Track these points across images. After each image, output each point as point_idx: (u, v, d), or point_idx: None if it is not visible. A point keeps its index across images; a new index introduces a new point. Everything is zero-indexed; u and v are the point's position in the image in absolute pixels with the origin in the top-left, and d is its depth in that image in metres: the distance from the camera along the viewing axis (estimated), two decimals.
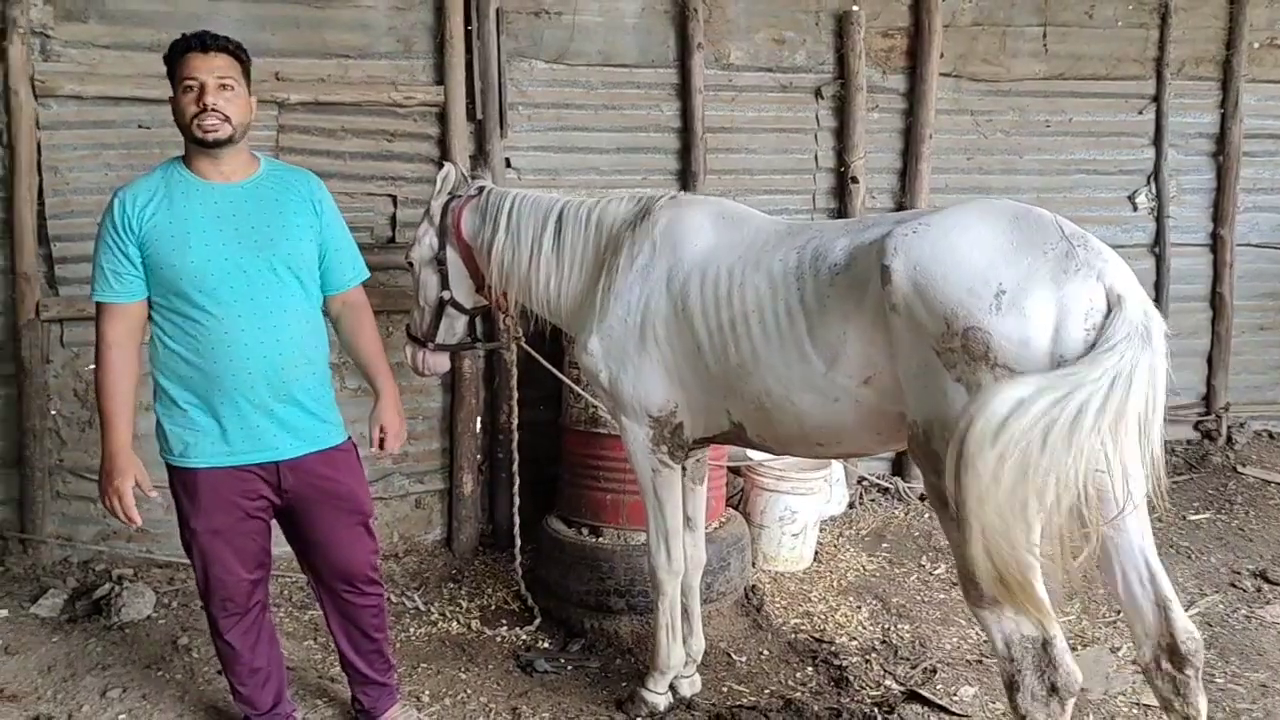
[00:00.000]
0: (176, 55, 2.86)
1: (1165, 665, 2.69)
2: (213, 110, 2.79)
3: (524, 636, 4.20)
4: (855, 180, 5.39)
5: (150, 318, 2.94)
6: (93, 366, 4.53)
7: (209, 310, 2.84)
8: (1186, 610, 3.01)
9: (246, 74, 2.95)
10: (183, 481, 2.95)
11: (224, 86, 2.83)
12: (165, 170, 2.94)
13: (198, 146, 2.86)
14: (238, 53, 2.91)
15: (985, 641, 4.04)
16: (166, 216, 2.84)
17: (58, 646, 3.95)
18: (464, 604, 4.51)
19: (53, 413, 4.62)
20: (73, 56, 4.50)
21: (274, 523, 3.13)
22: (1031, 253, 2.49)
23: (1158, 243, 5.96)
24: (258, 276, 2.88)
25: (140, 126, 4.53)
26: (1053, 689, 2.53)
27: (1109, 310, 2.41)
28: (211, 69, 2.82)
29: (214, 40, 2.85)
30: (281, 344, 2.91)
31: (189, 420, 2.91)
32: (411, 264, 3.95)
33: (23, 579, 4.48)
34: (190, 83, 2.82)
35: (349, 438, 3.17)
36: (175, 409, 2.92)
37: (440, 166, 4.43)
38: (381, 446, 3.24)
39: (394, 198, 4.91)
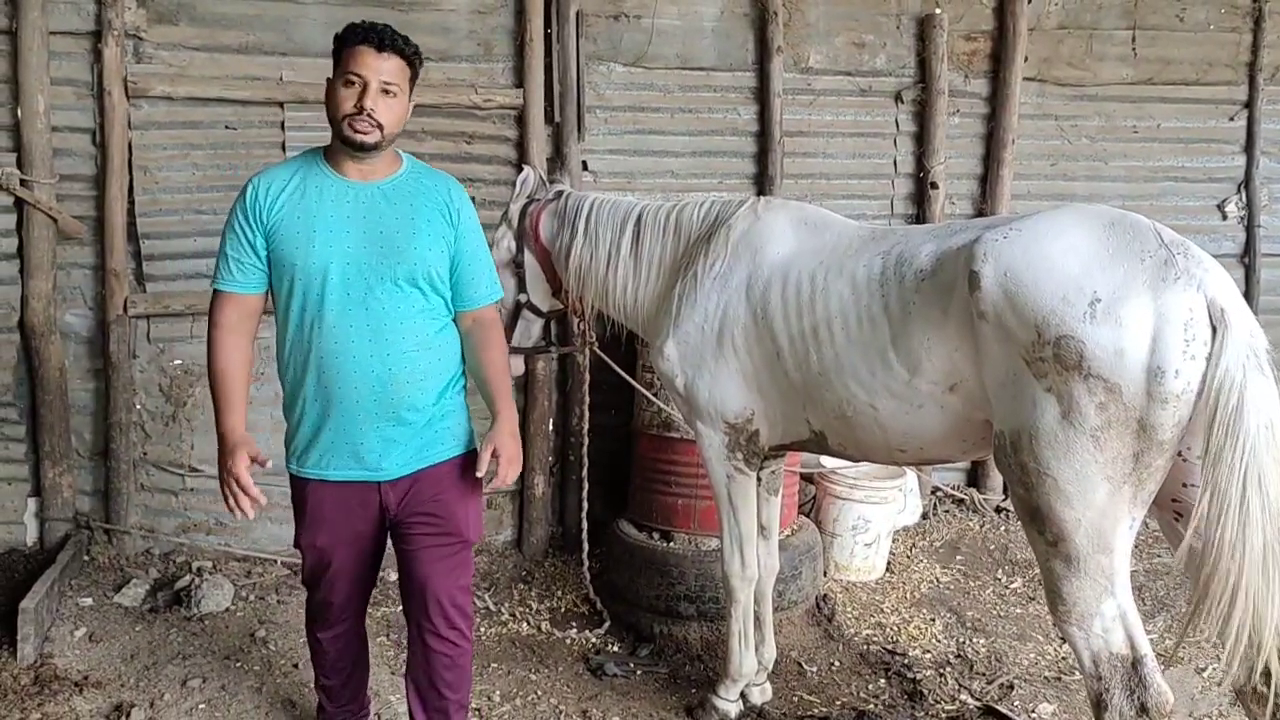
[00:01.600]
0: (349, 44, 2.64)
1: (1261, 689, 2.59)
2: (369, 114, 2.60)
3: (593, 639, 4.19)
4: (935, 186, 5.31)
5: (275, 315, 2.79)
6: (178, 362, 4.70)
7: (323, 315, 2.66)
8: None
9: (414, 79, 2.74)
10: (297, 489, 2.84)
11: (387, 91, 2.62)
12: (305, 160, 2.78)
13: (345, 146, 2.67)
14: (412, 58, 2.70)
15: (1064, 658, 3.98)
16: (296, 210, 2.67)
17: (140, 635, 4.03)
18: (534, 605, 4.52)
19: (138, 407, 4.73)
20: (164, 58, 4.62)
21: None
22: (1128, 260, 2.41)
23: (1247, 252, 5.78)
24: (378, 284, 2.66)
25: (227, 127, 4.63)
26: (1143, 709, 2.47)
27: (1211, 323, 2.33)
28: (380, 70, 2.61)
29: (392, 40, 2.63)
30: (392, 359, 2.68)
31: (300, 428, 2.77)
32: None
33: (107, 568, 4.59)
34: (354, 78, 2.61)
35: (469, 450, 2.89)
36: (291, 413, 2.79)
37: (518, 169, 4.47)
38: (492, 475, 2.81)
39: (472, 199, 4.92)
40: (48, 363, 4.57)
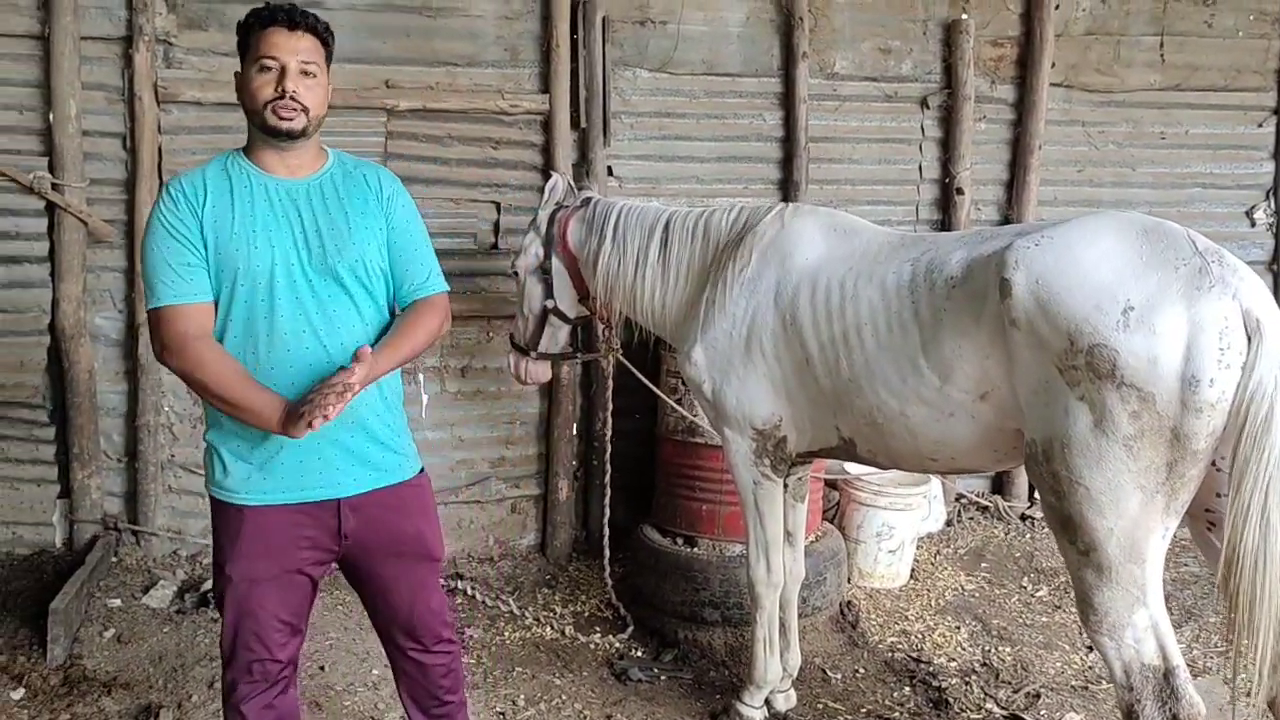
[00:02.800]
0: (256, 27, 2.43)
1: None
2: (291, 97, 2.40)
3: (617, 644, 4.20)
4: (960, 191, 5.30)
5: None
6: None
7: (268, 322, 2.43)
8: None
9: (329, 59, 2.54)
10: (225, 519, 2.49)
11: (306, 72, 2.43)
12: (222, 162, 2.52)
13: (266, 136, 2.46)
14: (325, 35, 2.50)
15: (1090, 667, 3.96)
16: (229, 213, 2.43)
17: (168, 637, 4.06)
18: (558, 609, 4.53)
19: (166, 409, 4.76)
20: (193, 63, 4.65)
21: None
22: (1162, 268, 2.40)
23: (1276, 259, 5.73)
24: (322, 286, 2.46)
25: None
26: None
27: (1246, 332, 2.32)
28: (296, 50, 2.41)
29: (303, 18, 2.44)
30: (348, 363, 2.42)
31: (240, 447, 2.44)
32: (517, 273, 3.99)
33: (134, 570, 4.62)
34: (269, 62, 2.40)
35: (421, 470, 2.70)
36: (226, 433, 2.45)
37: (544, 174, 4.49)
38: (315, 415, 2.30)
39: (498, 204, 4.97)
40: (77, 365, 4.61)
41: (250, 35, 2.45)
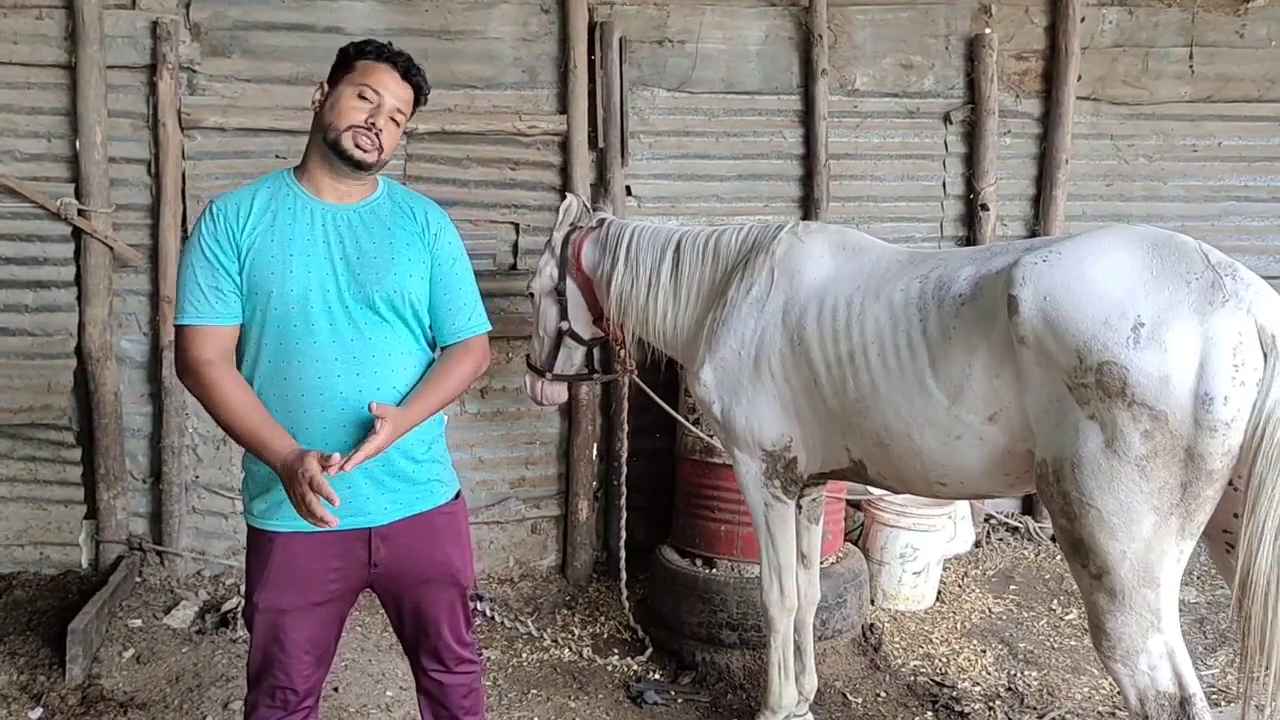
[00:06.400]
0: (368, 58, 2.47)
1: None
2: (376, 134, 2.44)
3: (635, 666, 4.16)
4: (985, 207, 5.22)
5: (238, 351, 2.49)
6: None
7: (303, 349, 2.41)
8: None
9: (412, 115, 2.61)
10: (256, 546, 2.50)
11: (395, 120, 2.48)
12: (270, 182, 2.53)
13: (333, 157, 2.46)
14: (423, 94, 2.57)
15: (1118, 694, 3.83)
16: (269, 234, 2.43)
17: (186, 657, 4.07)
18: (576, 631, 4.50)
19: (190, 430, 4.81)
20: (217, 90, 4.71)
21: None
22: (1173, 282, 2.34)
23: None
24: (359, 314, 2.44)
25: (277, 157, 4.70)
26: None
27: (1262, 349, 2.25)
28: (399, 96, 2.47)
29: (415, 71, 2.51)
30: (382, 395, 2.42)
31: (271, 475, 2.39)
32: (533, 294, 3.99)
33: (158, 590, 4.66)
34: (372, 94, 2.44)
35: (458, 494, 2.68)
36: (260, 461, 2.41)
37: (562, 195, 4.49)
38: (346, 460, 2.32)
39: (516, 225, 4.98)
40: (103, 387, 4.67)
41: (359, 61, 2.48)
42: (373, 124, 2.42)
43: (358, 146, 2.43)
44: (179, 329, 2.43)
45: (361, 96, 2.43)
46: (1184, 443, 2.30)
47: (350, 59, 2.49)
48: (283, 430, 2.35)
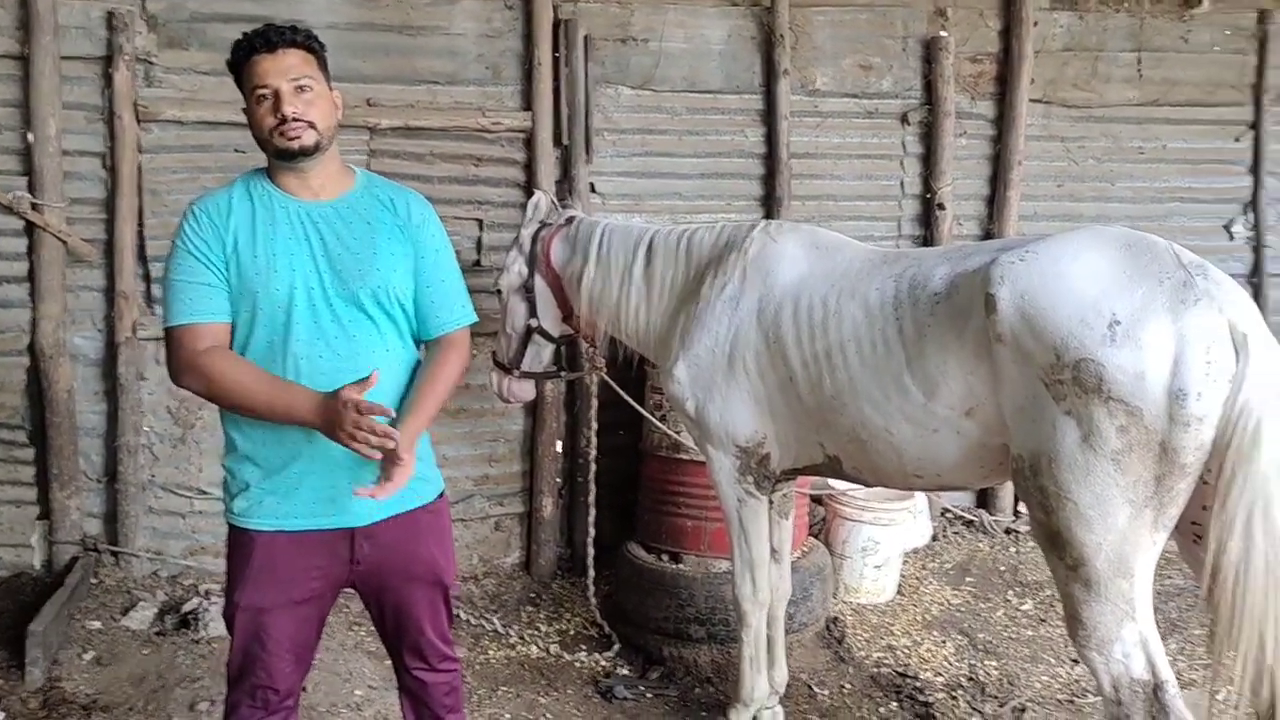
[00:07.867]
0: (242, 59, 2.40)
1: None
2: (293, 119, 2.36)
3: (603, 662, 4.18)
4: (942, 207, 5.32)
5: None
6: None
7: (289, 348, 2.39)
8: None
9: (324, 66, 2.48)
10: (238, 544, 2.47)
11: (301, 89, 2.38)
12: (246, 182, 2.49)
13: (282, 161, 2.42)
14: (310, 44, 2.44)
15: (1076, 680, 3.96)
16: (250, 234, 2.41)
17: (148, 659, 4.00)
18: (543, 628, 4.50)
19: (146, 429, 4.72)
20: (174, 82, 4.63)
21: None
22: (1147, 282, 2.42)
23: (1255, 273, 5.76)
24: (345, 312, 2.42)
25: (237, 150, 4.62)
26: None
27: (1233, 347, 2.33)
28: (285, 70, 2.37)
29: (280, 35, 2.39)
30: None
31: (253, 473, 2.42)
32: (500, 291, 3.97)
33: (114, 591, 4.56)
34: (262, 91, 2.37)
35: (441, 494, 2.66)
36: (242, 460, 2.44)
37: (526, 192, 4.49)
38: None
39: (480, 221, 4.96)
40: (56, 385, 4.56)
41: (240, 68, 2.42)
42: (282, 116, 2.36)
43: (288, 139, 2.37)
44: (170, 332, 2.40)
45: (260, 99, 2.39)
46: (1158, 437, 2.37)
47: (238, 69, 2.44)
48: (301, 387, 2.33)
